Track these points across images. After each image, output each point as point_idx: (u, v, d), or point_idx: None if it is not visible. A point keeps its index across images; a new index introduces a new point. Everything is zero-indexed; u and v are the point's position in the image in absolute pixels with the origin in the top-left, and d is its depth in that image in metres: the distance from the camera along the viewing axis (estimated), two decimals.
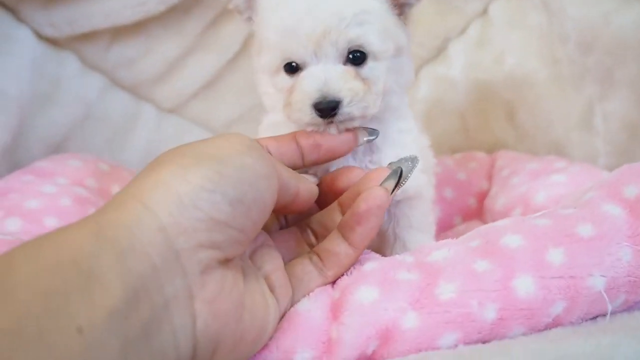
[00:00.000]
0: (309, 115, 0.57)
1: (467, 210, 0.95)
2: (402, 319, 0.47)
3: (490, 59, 1.02)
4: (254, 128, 0.74)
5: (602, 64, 0.85)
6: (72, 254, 0.35)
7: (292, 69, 0.59)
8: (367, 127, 0.61)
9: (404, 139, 0.66)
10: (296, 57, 0.58)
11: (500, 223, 0.57)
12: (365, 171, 0.58)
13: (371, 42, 0.58)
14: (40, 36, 0.94)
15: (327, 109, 0.56)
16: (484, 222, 0.89)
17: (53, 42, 0.96)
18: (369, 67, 0.59)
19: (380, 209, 0.52)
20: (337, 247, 0.53)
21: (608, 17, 0.83)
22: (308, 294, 0.52)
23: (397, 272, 0.51)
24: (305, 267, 0.53)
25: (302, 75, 0.58)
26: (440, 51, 1.10)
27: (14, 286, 0.33)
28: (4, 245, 0.58)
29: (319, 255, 0.53)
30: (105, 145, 1.05)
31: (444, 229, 0.93)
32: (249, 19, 0.65)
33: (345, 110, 0.57)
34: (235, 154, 0.45)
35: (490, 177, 0.96)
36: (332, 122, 0.57)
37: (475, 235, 0.56)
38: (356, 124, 0.59)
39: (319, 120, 0.57)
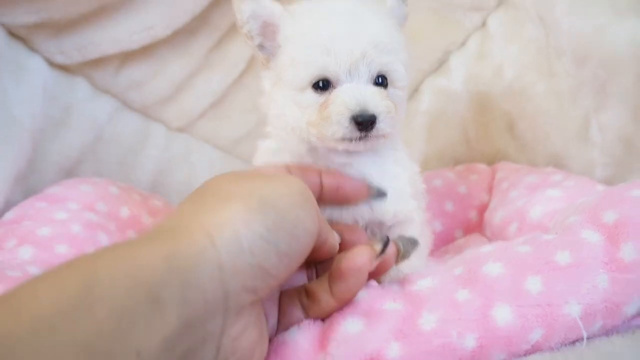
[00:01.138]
0: (346, 127, 0.60)
1: (467, 224, 0.97)
2: (387, 349, 0.50)
3: (489, 71, 1.03)
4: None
5: (596, 77, 0.86)
6: (146, 278, 0.38)
7: (320, 87, 0.63)
8: (377, 186, 0.65)
9: (397, 169, 0.69)
10: (331, 74, 0.62)
11: (485, 249, 0.59)
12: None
13: (397, 69, 0.64)
14: (52, 63, 0.97)
15: (367, 122, 0.60)
16: (485, 235, 0.91)
17: (64, 68, 1.00)
18: (390, 92, 0.64)
19: (359, 271, 0.53)
20: (321, 293, 0.54)
21: (601, 31, 0.84)
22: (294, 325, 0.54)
23: (383, 302, 0.54)
24: (292, 301, 0.55)
25: (339, 90, 0.62)
26: (441, 64, 1.11)
27: (94, 301, 0.35)
28: (10, 282, 0.61)
29: (307, 293, 0.55)
30: (116, 165, 1.08)
31: (445, 242, 0.95)
32: (261, 46, 0.68)
33: (381, 125, 0.61)
34: (293, 206, 0.48)
35: (490, 190, 0.97)
36: (365, 136, 0.61)
37: (460, 262, 0.58)
38: (382, 142, 0.63)
39: (356, 134, 0.61)
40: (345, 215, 0.66)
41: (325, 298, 0.53)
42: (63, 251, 0.75)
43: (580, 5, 0.87)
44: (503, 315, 0.50)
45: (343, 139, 0.61)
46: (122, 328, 0.35)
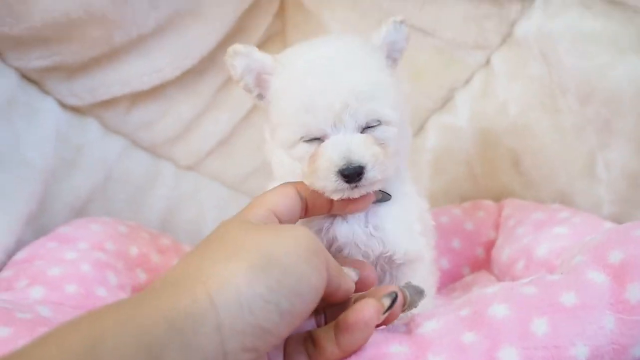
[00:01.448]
0: (334, 182, 0.60)
1: (475, 261, 0.97)
2: None
3: (494, 108, 1.04)
4: (266, 182, 0.78)
5: (600, 115, 0.87)
6: (148, 339, 0.38)
7: (311, 139, 0.63)
8: (381, 190, 0.65)
9: (407, 203, 0.69)
10: (316, 132, 0.62)
11: (490, 290, 0.59)
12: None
13: (386, 114, 0.62)
14: (64, 105, 0.99)
15: (353, 175, 0.59)
16: (492, 273, 0.91)
17: (76, 110, 1.02)
18: (381, 130, 0.63)
19: (366, 326, 0.52)
20: (326, 342, 0.53)
21: (603, 70, 0.85)
22: None
23: (389, 345, 0.54)
24: (297, 348, 0.55)
25: (325, 144, 0.62)
26: (446, 101, 1.12)
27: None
28: (20, 324, 0.61)
29: (312, 341, 0.55)
30: (126, 204, 1.09)
31: (453, 280, 0.95)
32: (260, 96, 0.68)
33: (370, 174, 0.60)
34: (297, 260, 0.47)
35: (497, 226, 0.97)
36: (356, 186, 0.61)
37: (465, 302, 0.58)
38: (376, 187, 0.63)
39: (344, 185, 0.60)
40: (354, 250, 0.66)
41: (330, 348, 0.53)
42: (72, 291, 0.76)
43: (583, 44, 0.88)
44: (509, 357, 0.50)
45: (334, 191, 0.61)
46: None
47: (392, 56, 0.70)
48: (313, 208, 0.62)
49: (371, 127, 0.63)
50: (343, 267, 0.58)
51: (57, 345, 0.37)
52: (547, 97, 0.96)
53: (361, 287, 0.60)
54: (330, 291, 0.53)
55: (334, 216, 0.67)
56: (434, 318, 0.57)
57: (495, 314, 0.54)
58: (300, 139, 0.63)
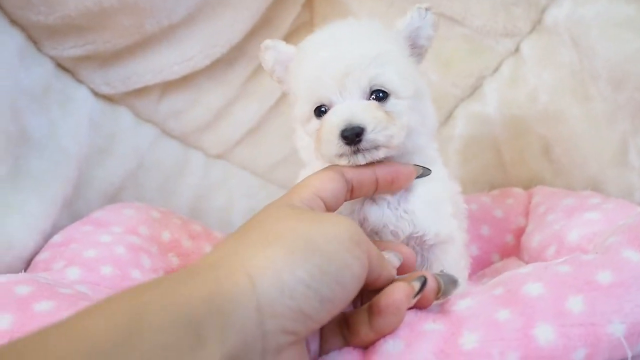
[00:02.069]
0: (336, 144, 0.61)
1: (504, 248, 0.96)
2: None
3: (523, 96, 1.04)
4: (297, 170, 0.79)
5: (633, 101, 0.86)
6: (188, 315, 0.39)
7: (321, 113, 0.64)
8: (420, 165, 0.67)
9: (437, 184, 0.69)
10: (324, 99, 0.63)
11: (523, 270, 0.59)
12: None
13: (391, 79, 0.63)
14: (97, 94, 1.01)
15: (352, 135, 0.60)
16: (522, 259, 0.91)
17: (108, 98, 1.03)
18: (391, 103, 0.64)
19: (397, 309, 0.52)
20: (360, 325, 0.53)
21: (637, 55, 0.84)
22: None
23: (423, 323, 0.54)
24: (333, 330, 0.55)
25: (330, 111, 0.63)
26: (474, 89, 1.12)
27: (143, 334, 0.37)
28: (63, 299, 0.63)
29: (347, 324, 0.55)
30: (157, 192, 1.11)
31: (482, 266, 0.95)
32: (288, 87, 0.71)
33: (369, 136, 0.61)
34: (340, 250, 0.48)
35: (527, 214, 0.97)
36: (358, 150, 0.61)
37: (498, 282, 0.58)
38: (382, 154, 0.63)
39: (346, 148, 0.61)
40: (384, 231, 0.67)
41: (364, 330, 0.53)
42: (108, 272, 0.77)
43: (615, 30, 0.87)
44: (545, 334, 0.50)
45: (338, 155, 0.62)
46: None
47: (419, 44, 0.70)
48: (359, 189, 0.62)
49: (380, 99, 0.63)
50: (385, 252, 0.59)
51: (102, 317, 0.38)
52: (577, 84, 0.95)
53: (400, 271, 0.60)
54: (371, 280, 0.53)
55: (364, 198, 0.67)
56: (467, 297, 0.57)
57: (529, 292, 0.54)
58: (312, 110, 0.64)
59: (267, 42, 0.70)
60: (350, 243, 0.49)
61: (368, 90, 0.63)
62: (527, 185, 1.05)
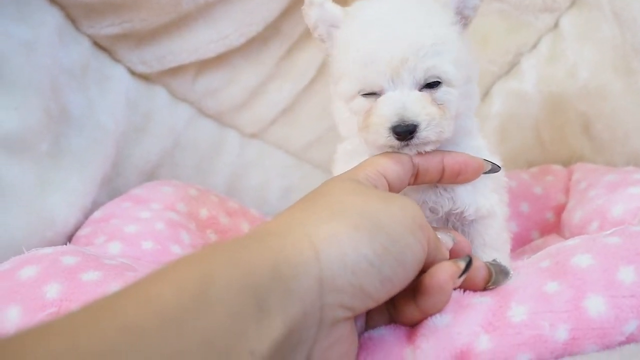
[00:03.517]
0: (385, 137, 0.60)
1: (544, 225, 0.95)
2: (476, 342, 0.49)
3: (563, 72, 1.02)
4: (331, 149, 0.78)
5: None
6: (254, 283, 0.39)
7: (369, 93, 0.63)
8: (491, 161, 0.65)
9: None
10: (374, 86, 0.61)
11: (570, 242, 0.58)
12: None
13: (447, 70, 0.61)
14: (133, 73, 1.02)
15: (405, 132, 0.59)
16: (562, 236, 0.89)
17: (144, 77, 1.04)
18: (442, 91, 0.62)
19: (442, 289, 0.51)
20: (406, 305, 0.53)
21: None
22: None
23: (470, 296, 0.54)
24: (380, 307, 0.53)
25: (381, 99, 0.61)
26: (512, 66, 1.10)
27: (211, 300, 0.37)
28: (109, 269, 0.64)
29: (393, 303, 0.54)
30: (193, 170, 1.12)
31: (522, 244, 0.93)
32: (331, 51, 0.69)
33: (422, 134, 0.60)
34: (404, 231, 0.48)
35: (567, 191, 0.96)
36: (407, 144, 0.60)
37: (545, 255, 0.58)
38: (430, 148, 0.61)
39: (396, 142, 0.60)
40: (423, 207, 0.66)
41: (410, 310, 0.53)
42: (149, 247, 0.78)
43: None
44: (596, 306, 0.49)
45: (385, 147, 0.61)
46: (237, 328, 0.37)
47: (464, 13, 0.68)
48: (424, 175, 0.61)
49: (431, 87, 0.62)
50: (439, 233, 0.58)
51: (170, 284, 0.38)
52: (619, 59, 0.93)
53: (455, 254, 0.60)
54: (427, 262, 0.52)
55: None
56: (514, 270, 0.57)
57: (578, 263, 0.53)
58: (358, 92, 0.63)
59: None
60: (414, 225, 0.49)
61: (422, 80, 0.61)
62: (567, 163, 1.04)
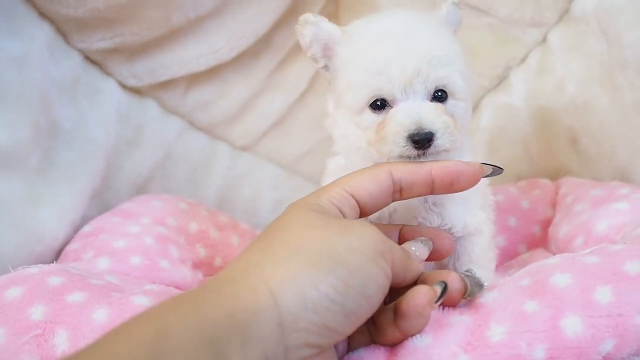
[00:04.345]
0: (402, 147, 0.61)
1: (531, 239, 0.96)
2: None
3: (551, 86, 1.02)
4: (322, 161, 0.78)
5: None
6: (210, 333, 0.40)
7: (377, 106, 0.63)
8: (491, 164, 0.63)
9: None
10: (386, 93, 0.62)
11: (550, 261, 0.59)
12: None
13: (455, 81, 0.63)
14: (124, 86, 1.02)
15: (423, 140, 0.60)
16: (549, 250, 0.90)
17: (136, 91, 1.05)
18: (450, 104, 0.64)
19: (420, 314, 0.51)
20: (387, 325, 0.53)
21: None
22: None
23: (450, 315, 0.54)
24: (361, 329, 0.52)
25: (395, 109, 0.62)
26: (501, 80, 1.11)
27: (167, 357, 0.38)
28: (94, 289, 0.64)
29: (373, 323, 0.54)
30: (184, 183, 1.12)
31: (509, 257, 0.94)
32: (326, 67, 0.70)
33: (439, 142, 0.61)
34: (364, 262, 0.47)
35: (554, 205, 0.96)
36: (424, 153, 0.61)
37: (525, 273, 0.58)
38: (443, 156, 0.62)
39: (413, 151, 0.61)
40: (412, 222, 0.67)
41: (391, 330, 0.52)
42: (137, 262, 0.78)
43: None
44: (573, 325, 0.50)
45: (401, 157, 0.61)
46: None
47: (452, 28, 0.71)
48: (410, 190, 0.58)
49: (439, 100, 0.63)
50: (413, 242, 0.58)
51: (124, 341, 0.38)
52: (606, 74, 0.94)
53: (436, 256, 0.60)
54: (396, 282, 0.52)
55: None
56: (494, 289, 0.57)
57: (557, 283, 0.54)
58: (368, 102, 0.63)
59: (308, 15, 0.67)
60: (375, 253, 0.48)
61: (432, 91, 0.63)
62: (554, 177, 1.04)
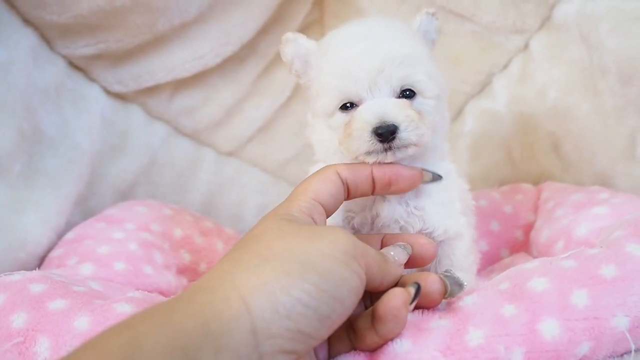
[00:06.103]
0: (368, 142, 0.61)
1: (513, 243, 0.97)
2: None
3: (533, 92, 1.04)
4: (308, 167, 0.79)
5: None
6: (183, 344, 0.40)
7: (347, 108, 0.65)
8: (431, 171, 0.66)
9: (447, 181, 0.70)
10: (353, 95, 0.64)
11: (529, 265, 0.60)
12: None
13: (420, 80, 0.64)
14: (109, 92, 1.03)
15: (386, 133, 0.61)
16: (531, 255, 0.91)
17: (120, 97, 1.05)
18: (418, 101, 0.65)
19: (395, 316, 0.51)
20: (366, 330, 0.53)
21: None
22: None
23: (429, 320, 0.55)
24: (341, 335, 0.54)
25: (360, 107, 0.64)
26: (484, 86, 1.12)
27: None
28: (76, 297, 0.64)
29: (352, 326, 0.55)
30: (169, 189, 1.12)
31: (491, 262, 0.95)
32: (308, 80, 0.72)
33: (403, 135, 0.61)
34: (336, 266, 0.47)
35: (536, 209, 0.97)
36: (390, 148, 0.62)
37: (504, 277, 0.59)
38: (410, 152, 0.63)
39: (379, 146, 0.62)
40: (394, 227, 0.67)
41: (370, 335, 0.53)
42: (121, 268, 0.78)
43: (625, 25, 0.87)
44: (550, 329, 0.51)
45: (369, 153, 0.62)
46: None
47: (429, 37, 0.72)
48: (355, 190, 0.61)
49: (407, 97, 0.64)
50: (392, 247, 0.59)
51: (98, 352, 0.39)
52: (587, 80, 0.95)
53: (419, 261, 0.61)
54: (374, 286, 0.53)
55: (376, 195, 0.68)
56: (473, 292, 0.58)
57: (535, 287, 0.55)
58: (338, 105, 0.65)
59: (288, 35, 0.70)
60: (346, 257, 0.48)
61: (398, 89, 0.64)
62: (537, 181, 1.05)
